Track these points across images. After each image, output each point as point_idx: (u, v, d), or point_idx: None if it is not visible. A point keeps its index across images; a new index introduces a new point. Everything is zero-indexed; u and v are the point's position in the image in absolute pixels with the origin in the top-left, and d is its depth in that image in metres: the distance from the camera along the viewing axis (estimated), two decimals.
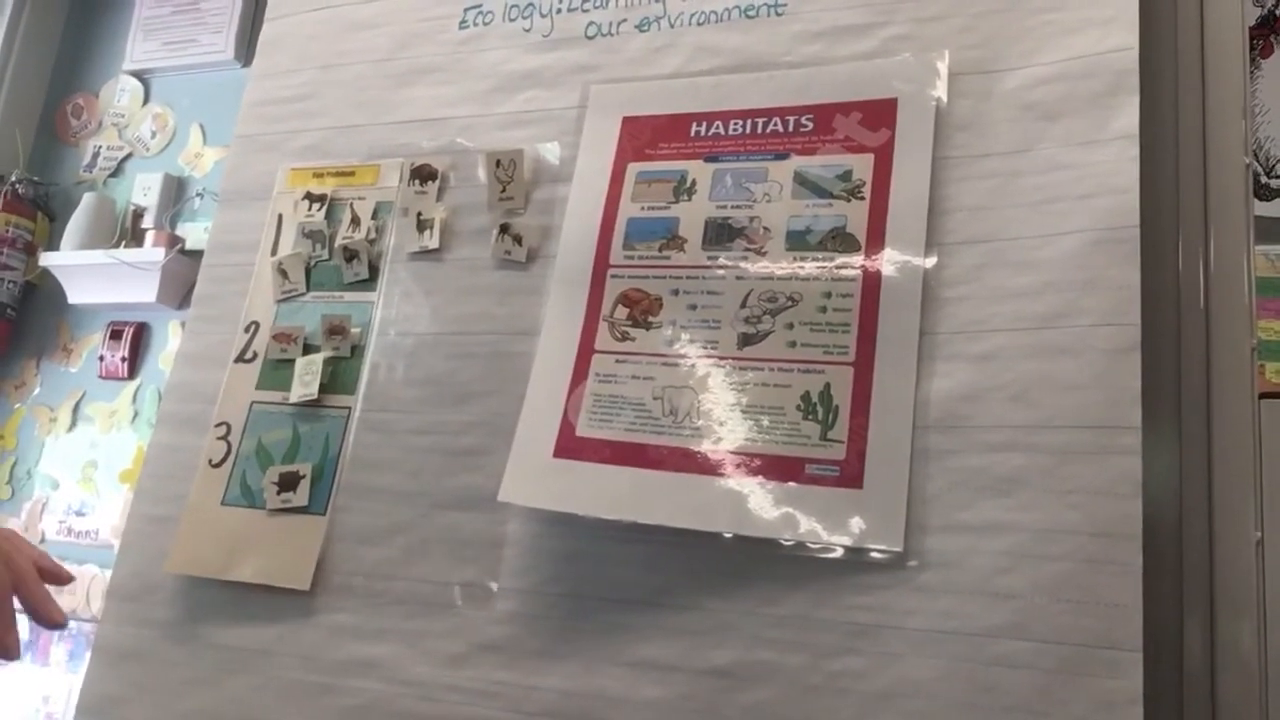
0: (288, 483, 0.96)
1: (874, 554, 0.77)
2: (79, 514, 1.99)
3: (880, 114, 0.88)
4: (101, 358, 2.03)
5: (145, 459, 1.06)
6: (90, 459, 2.00)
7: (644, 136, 0.96)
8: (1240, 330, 0.80)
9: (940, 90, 0.87)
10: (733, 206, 0.90)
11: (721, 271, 0.88)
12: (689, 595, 0.81)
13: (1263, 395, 0.82)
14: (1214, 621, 0.75)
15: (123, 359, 2.01)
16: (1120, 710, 0.68)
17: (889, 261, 0.84)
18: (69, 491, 2.01)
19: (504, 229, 0.98)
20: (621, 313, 0.90)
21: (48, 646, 1.99)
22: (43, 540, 2.03)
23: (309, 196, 1.07)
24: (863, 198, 0.86)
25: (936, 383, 0.80)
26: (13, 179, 2.09)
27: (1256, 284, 0.82)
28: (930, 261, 0.83)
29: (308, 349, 1.02)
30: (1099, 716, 0.68)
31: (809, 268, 0.86)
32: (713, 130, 0.93)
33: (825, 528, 0.78)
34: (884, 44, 0.91)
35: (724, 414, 0.83)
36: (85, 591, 1.98)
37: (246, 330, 1.05)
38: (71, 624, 1.97)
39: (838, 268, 0.85)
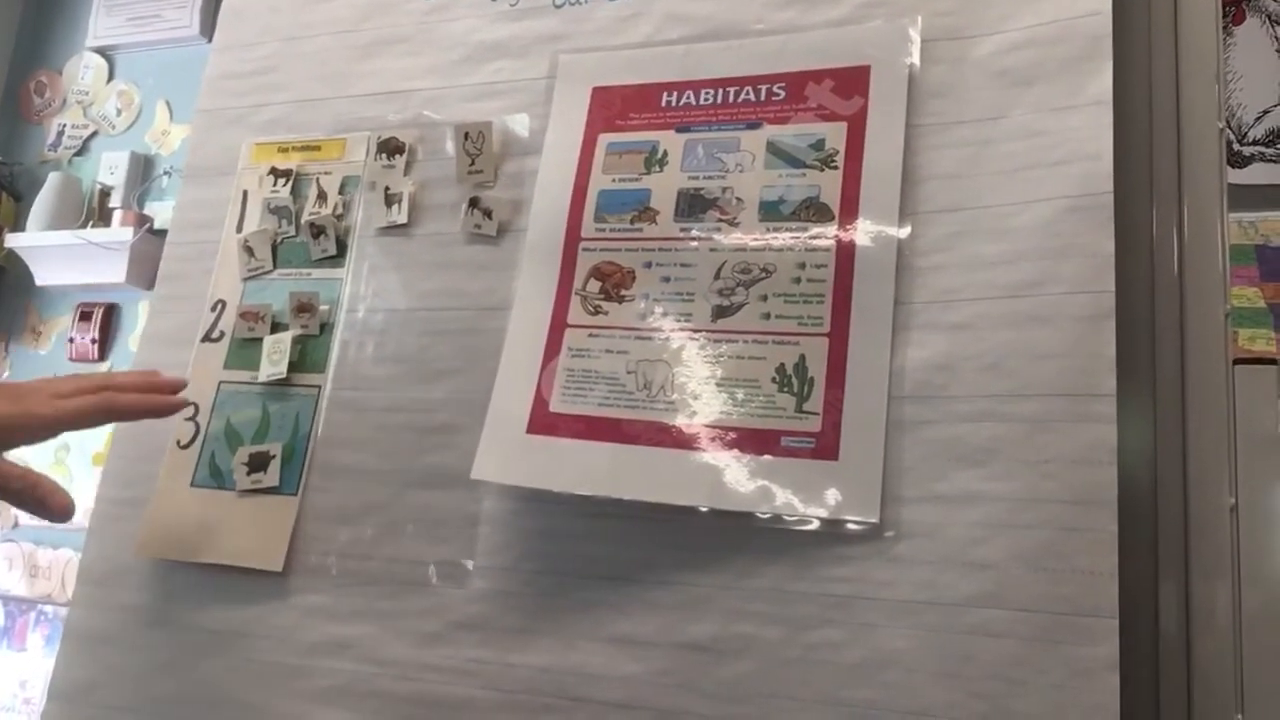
0: (258, 463, 0.95)
1: (850, 526, 0.76)
2: None
3: (853, 81, 0.87)
4: (71, 339, 2.00)
5: (112, 441, 1.04)
6: (62, 442, 1.98)
7: (614, 107, 0.94)
8: (1214, 297, 0.80)
9: (913, 57, 0.86)
10: (705, 177, 0.89)
11: (694, 243, 0.87)
12: (666, 570, 0.81)
13: (1236, 361, 0.82)
14: (1189, 587, 0.75)
15: (93, 340, 1.99)
16: (1097, 676, 0.68)
17: (863, 231, 0.83)
18: None
19: (473, 203, 0.97)
20: (594, 286, 0.89)
21: (24, 632, 1.98)
22: (16, 525, 2.01)
23: (274, 172, 1.05)
24: (836, 167, 0.85)
25: (911, 353, 0.79)
26: None
27: (1229, 251, 0.81)
28: (904, 231, 0.82)
29: (276, 327, 1.00)
30: (1076, 683, 0.69)
31: (782, 238, 0.85)
32: (684, 100, 0.92)
33: (801, 500, 0.77)
34: (856, 10, 0.90)
35: (698, 387, 0.83)
36: (60, 576, 1.96)
37: (213, 309, 1.03)
38: (47, 608, 1.96)
39: (811, 238, 0.84)
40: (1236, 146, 1.78)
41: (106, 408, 0.79)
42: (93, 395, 0.79)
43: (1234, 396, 0.78)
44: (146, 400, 0.82)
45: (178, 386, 0.86)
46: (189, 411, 1.00)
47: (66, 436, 2.07)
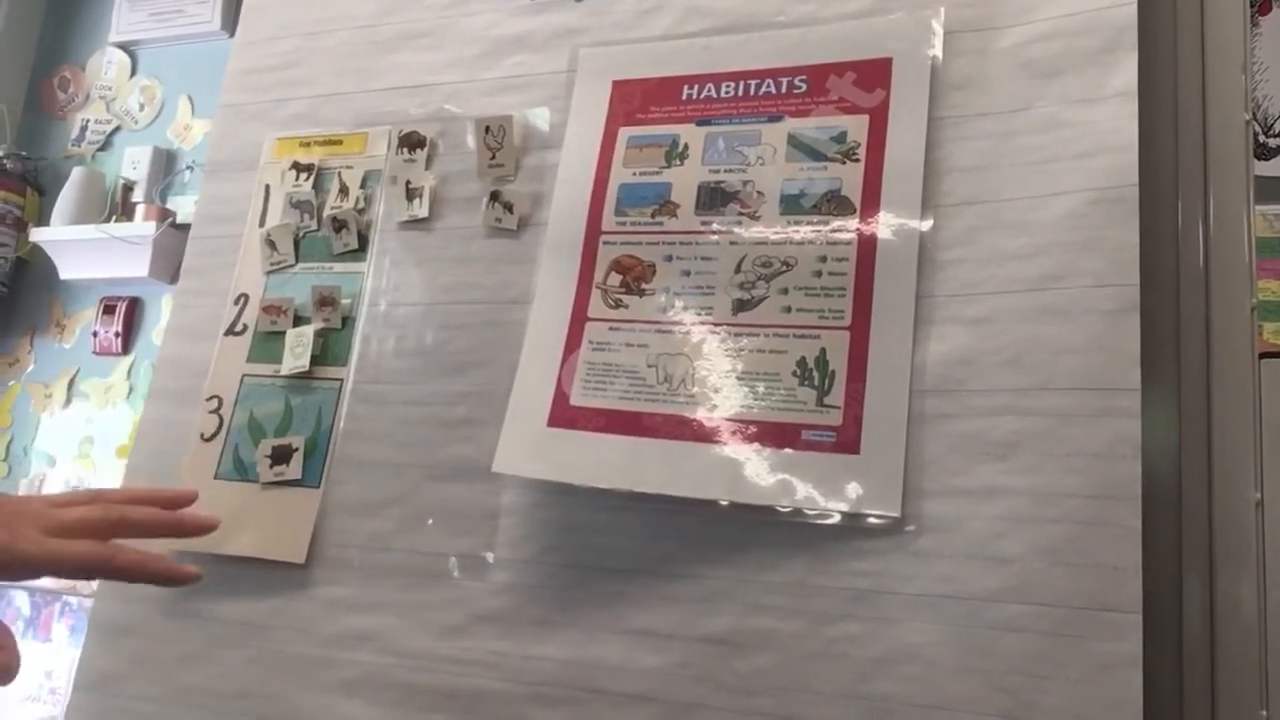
0: (281, 456, 0.96)
1: (871, 519, 0.76)
2: (77, 489, 1.98)
3: (875, 74, 0.87)
4: (95, 333, 2.02)
5: (137, 434, 1.05)
6: (87, 435, 2.00)
7: (634, 100, 0.94)
8: (1240, 290, 0.79)
9: (936, 49, 0.86)
10: (725, 170, 0.89)
11: (715, 237, 0.87)
12: (686, 563, 0.81)
13: (1262, 355, 0.81)
14: (1213, 583, 0.74)
15: (116, 334, 2.01)
16: (1119, 672, 0.68)
17: (884, 224, 0.82)
18: (66, 468, 2.01)
19: (494, 196, 0.97)
20: (614, 279, 0.89)
21: (50, 622, 2.00)
22: None
23: (296, 166, 1.06)
24: (857, 160, 0.85)
25: (933, 346, 0.79)
26: (0, 154, 2.07)
27: (1255, 244, 0.81)
28: (926, 224, 0.82)
29: (298, 320, 1.01)
30: (1098, 679, 0.68)
31: (803, 232, 0.84)
32: (704, 93, 0.92)
33: (822, 494, 0.77)
34: (878, 2, 0.89)
35: (719, 381, 0.83)
36: None
37: (236, 303, 1.04)
38: (72, 599, 1.98)
39: (832, 231, 0.84)
40: (1262, 139, 1.76)
41: (104, 562, 0.66)
42: (94, 544, 0.66)
43: (1260, 391, 0.78)
44: (151, 567, 0.69)
45: (206, 528, 0.75)
46: (213, 404, 1.00)
47: (90, 427, 2.08)
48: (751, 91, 0.90)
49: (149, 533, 0.71)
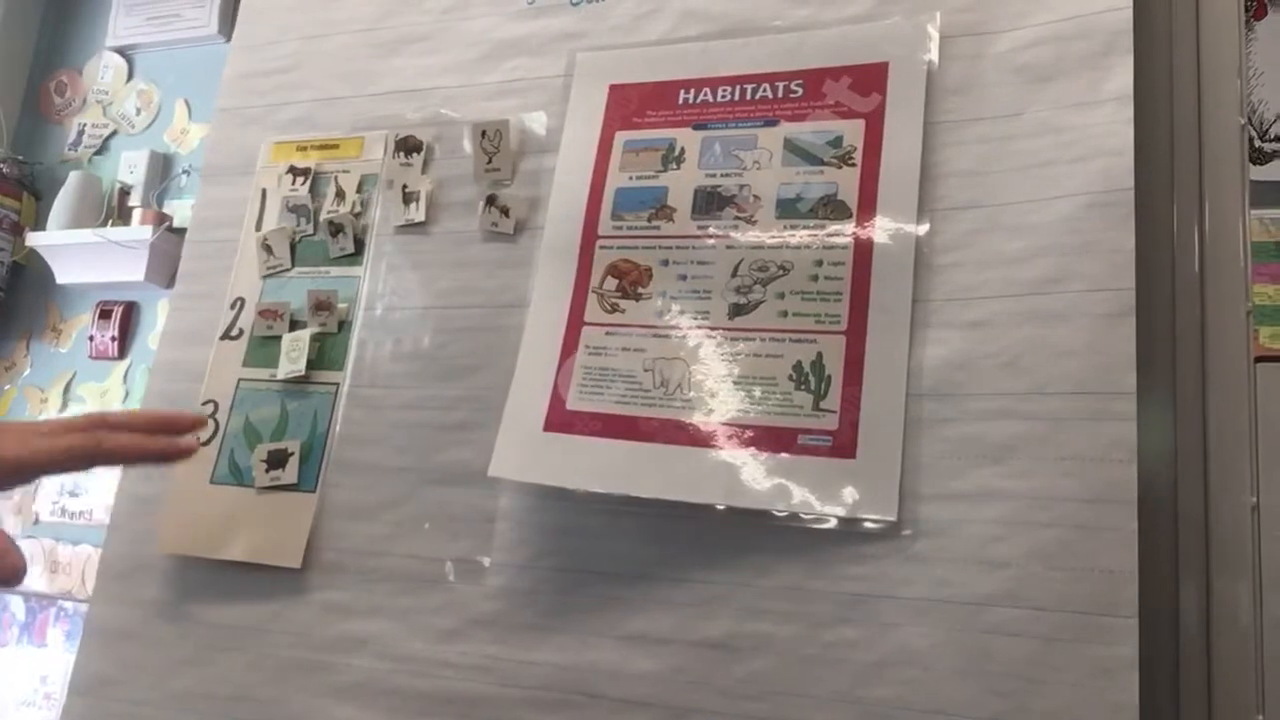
0: (276, 460, 0.95)
1: (868, 524, 0.76)
2: (72, 494, 1.98)
3: (871, 78, 0.87)
4: (91, 338, 2.01)
5: None
6: None
7: (631, 105, 0.94)
8: (1235, 294, 0.79)
9: (932, 53, 0.86)
10: (722, 175, 0.89)
11: (711, 241, 0.87)
12: (682, 568, 0.81)
13: (1257, 359, 0.81)
14: (1209, 587, 0.75)
15: (112, 338, 2.00)
16: (1116, 676, 0.68)
17: (881, 229, 0.83)
18: None
19: (490, 201, 0.97)
20: (610, 284, 0.89)
21: (45, 627, 1.99)
22: (36, 521, 2.03)
23: (293, 170, 1.06)
24: (854, 164, 0.85)
25: (929, 350, 0.79)
26: None
27: (1251, 249, 0.81)
28: (922, 228, 0.82)
29: (294, 325, 1.01)
30: (1095, 683, 0.68)
31: (800, 236, 0.84)
32: (701, 97, 0.92)
33: (818, 498, 0.77)
34: (874, 7, 0.89)
35: (715, 385, 0.83)
36: (81, 572, 1.98)
37: (232, 307, 1.04)
38: (68, 604, 1.97)
39: (829, 235, 0.84)
40: (1257, 143, 1.76)
41: (92, 450, 0.66)
42: (79, 434, 0.66)
43: (1255, 395, 0.78)
44: (143, 444, 0.69)
45: (191, 424, 0.74)
46: (208, 409, 1.00)
47: None
48: (748, 96, 0.91)
49: (125, 449, 0.69)
